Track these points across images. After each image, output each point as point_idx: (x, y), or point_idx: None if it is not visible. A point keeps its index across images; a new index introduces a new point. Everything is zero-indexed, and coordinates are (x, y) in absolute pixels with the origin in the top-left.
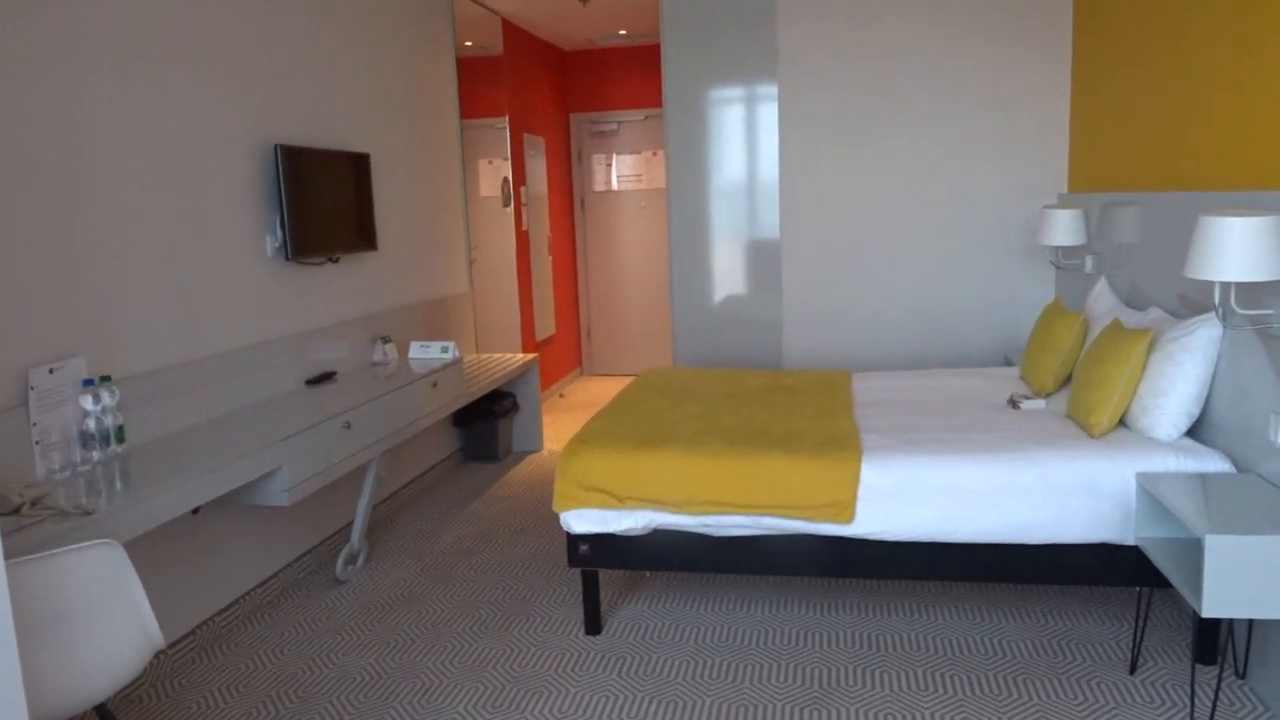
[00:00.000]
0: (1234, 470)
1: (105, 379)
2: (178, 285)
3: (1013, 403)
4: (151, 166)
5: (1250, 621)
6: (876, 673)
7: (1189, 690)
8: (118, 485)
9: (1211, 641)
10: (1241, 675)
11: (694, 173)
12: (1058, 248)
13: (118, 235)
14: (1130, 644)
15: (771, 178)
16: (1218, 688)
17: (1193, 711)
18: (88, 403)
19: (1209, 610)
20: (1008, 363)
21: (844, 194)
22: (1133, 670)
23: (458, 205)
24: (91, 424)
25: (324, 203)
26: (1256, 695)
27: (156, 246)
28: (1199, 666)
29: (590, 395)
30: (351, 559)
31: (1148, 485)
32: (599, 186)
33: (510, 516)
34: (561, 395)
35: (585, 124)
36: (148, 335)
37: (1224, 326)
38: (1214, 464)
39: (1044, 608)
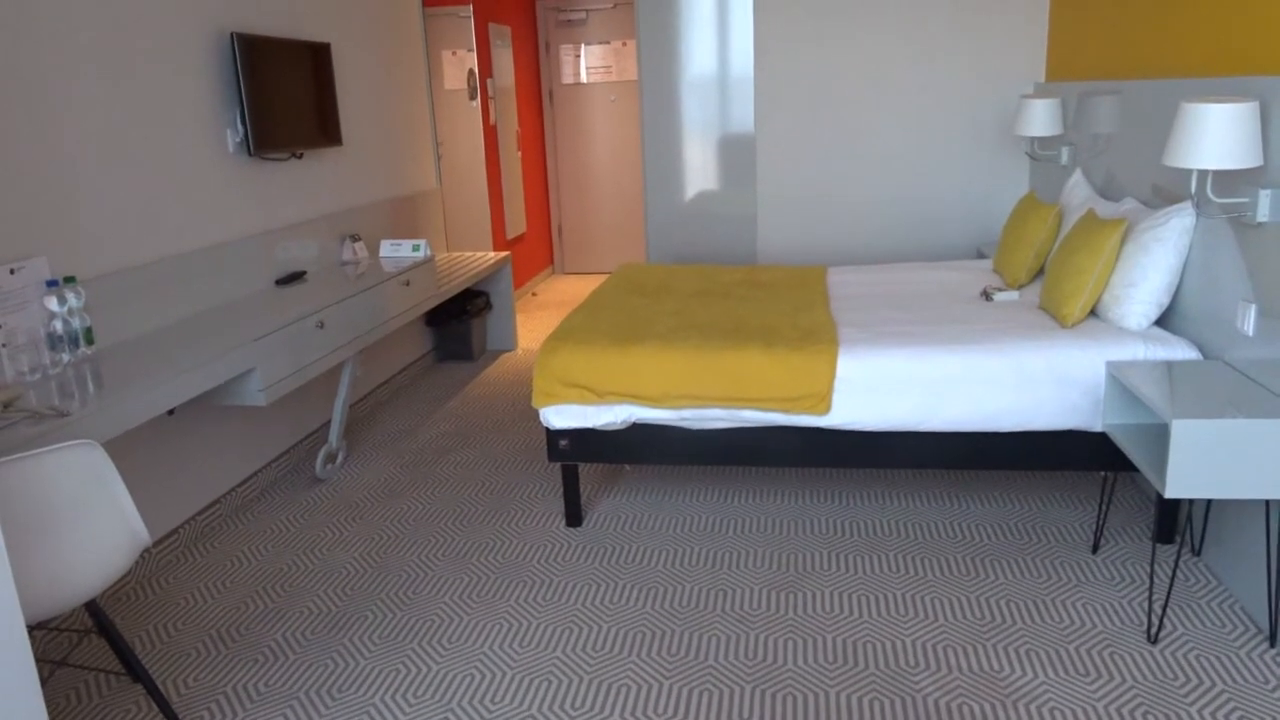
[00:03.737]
0: (1201, 357)
1: (70, 280)
2: (139, 182)
3: (986, 295)
4: (104, 59)
5: (1208, 502)
6: (850, 557)
7: (1148, 568)
8: (90, 387)
9: (1170, 522)
10: (1197, 553)
11: (666, 64)
12: (1034, 139)
13: (72, 133)
14: (1093, 526)
15: (746, 70)
16: (1176, 564)
17: (1152, 587)
18: (53, 304)
19: (1172, 491)
20: (980, 255)
21: (819, 86)
22: (1095, 550)
23: (423, 98)
24: (59, 325)
25: (285, 95)
26: (1211, 571)
27: (114, 142)
28: (1158, 545)
29: (563, 294)
30: (330, 458)
31: (1117, 373)
32: (567, 79)
33: (487, 414)
34: (534, 294)
35: (552, 12)
36: (111, 235)
37: (1198, 215)
38: (1182, 352)
39: (1010, 493)
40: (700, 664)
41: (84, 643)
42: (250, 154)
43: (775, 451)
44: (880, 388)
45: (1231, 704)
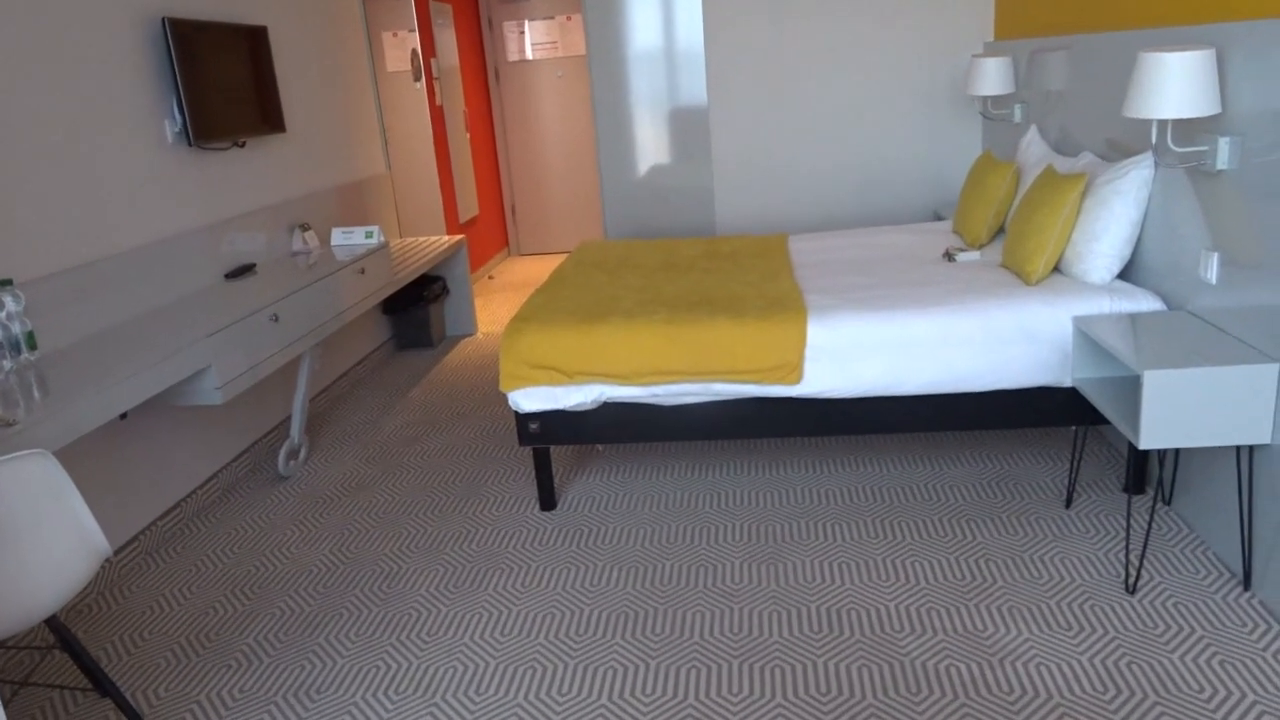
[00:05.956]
0: (1165, 308)
1: (6, 283)
2: (75, 179)
3: (948, 256)
4: (31, 52)
5: (1176, 451)
6: (828, 525)
7: (1122, 519)
8: (36, 394)
9: (1141, 473)
10: (1168, 502)
11: (615, 38)
12: (986, 98)
13: (1, 130)
14: (1064, 481)
15: (696, 40)
16: (1151, 514)
17: (1128, 538)
18: None
19: (1146, 443)
20: (938, 217)
21: (769, 54)
22: (1068, 504)
23: (366, 81)
24: None
25: (223, 81)
26: (1182, 519)
27: (46, 138)
28: (1131, 496)
29: (520, 275)
30: (293, 454)
31: (1084, 328)
32: (513, 56)
33: (452, 401)
34: (491, 277)
35: None
36: (49, 235)
37: (1157, 166)
38: (1146, 303)
39: (982, 453)
40: (685, 641)
41: (46, 660)
42: (190, 144)
43: (748, 423)
44: (851, 354)
45: (1212, 649)
